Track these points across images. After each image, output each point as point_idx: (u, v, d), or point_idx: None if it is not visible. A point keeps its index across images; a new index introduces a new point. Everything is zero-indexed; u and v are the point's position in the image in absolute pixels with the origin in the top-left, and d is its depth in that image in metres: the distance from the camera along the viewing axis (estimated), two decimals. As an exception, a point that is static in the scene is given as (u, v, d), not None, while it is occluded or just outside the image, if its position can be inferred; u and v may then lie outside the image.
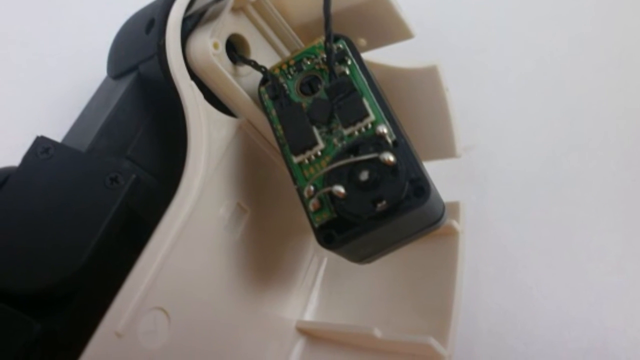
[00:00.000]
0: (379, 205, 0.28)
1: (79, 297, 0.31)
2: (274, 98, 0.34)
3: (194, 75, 0.35)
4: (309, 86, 0.34)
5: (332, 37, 0.33)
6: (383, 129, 0.30)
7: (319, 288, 0.45)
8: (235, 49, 0.37)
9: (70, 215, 0.31)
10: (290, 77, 0.35)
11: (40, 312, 0.29)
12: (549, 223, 0.47)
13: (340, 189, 0.29)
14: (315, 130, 0.32)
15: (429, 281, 0.41)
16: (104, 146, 0.35)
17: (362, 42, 0.40)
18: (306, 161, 0.32)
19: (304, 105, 0.33)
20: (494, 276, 0.46)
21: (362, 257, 0.33)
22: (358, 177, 0.29)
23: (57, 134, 0.37)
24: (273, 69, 0.35)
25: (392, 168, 0.29)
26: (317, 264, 0.46)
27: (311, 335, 0.42)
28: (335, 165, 0.30)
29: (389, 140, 0.30)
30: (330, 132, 0.32)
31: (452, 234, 0.42)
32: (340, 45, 0.34)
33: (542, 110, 0.53)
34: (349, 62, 0.33)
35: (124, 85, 0.38)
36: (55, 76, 0.55)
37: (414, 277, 0.42)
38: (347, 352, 0.40)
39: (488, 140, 0.52)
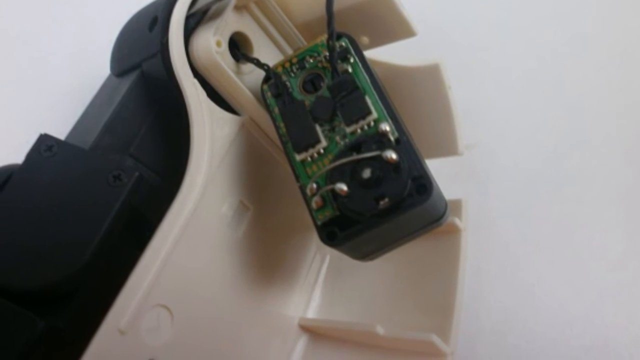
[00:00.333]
0: (382, 202, 0.29)
1: (82, 295, 0.31)
2: (276, 96, 0.34)
3: (196, 73, 0.35)
4: (311, 84, 0.34)
5: (334, 35, 0.34)
6: (385, 126, 0.30)
7: (322, 285, 0.45)
8: (238, 47, 0.37)
9: (74, 213, 0.31)
10: (292, 75, 0.35)
11: (44, 309, 0.29)
12: (550, 221, 0.47)
13: (342, 187, 0.29)
14: (318, 128, 0.32)
15: (431, 279, 0.41)
16: (107, 144, 0.36)
17: (364, 40, 0.40)
18: (309, 159, 0.32)
19: (307, 103, 0.33)
20: (496, 274, 0.46)
21: (364, 254, 0.33)
22: (360, 175, 0.29)
23: (61, 132, 0.37)
24: (276, 66, 0.35)
25: (394, 166, 0.29)
26: (320, 262, 0.46)
27: (314, 332, 0.42)
28: (337, 163, 0.30)
29: (392, 138, 0.30)
30: (332, 129, 0.32)
31: (455, 231, 0.42)
32: (343, 43, 0.34)
33: (544, 108, 0.53)
34: (352, 60, 0.33)
35: (127, 83, 0.38)
36: (59, 74, 0.56)
37: (417, 274, 0.42)
38: (349, 349, 0.40)
39: (490, 138, 0.52)
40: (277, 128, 0.34)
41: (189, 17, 0.35)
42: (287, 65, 0.35)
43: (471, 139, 0.49)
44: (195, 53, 0.35)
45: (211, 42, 0.34)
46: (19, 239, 0.30)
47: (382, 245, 0.33)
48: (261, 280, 0.39)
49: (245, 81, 0.36)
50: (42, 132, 0.33)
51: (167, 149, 0.37)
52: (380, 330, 0.37)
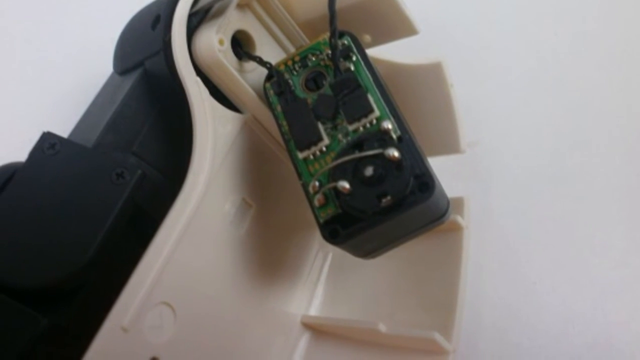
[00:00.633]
0: (384, 200, 0.29)
1: (85, 292, 0.31)
2: (279, 94, 0.34)
3: (199, 71, 0.35)
4: (314, 82, 0.34)
5: (337, 34, 0.34)
6: (388, 124, 0.30)
7: (324, 283, 0.45)
8: (241, 45, 0.37)
9: (77, 211, 0.31)
10: (295, 73, 0.35)
11: (47, 307, 0.29)
12: (552, 218, 0.47)
13: (345, 185, 0.29)
14: (320, 126, 0.32)
15: (433, 276, 0.41)
16: (110, 142, 0.36)
17: (366, 38, 0.40)
18: (311, 157, 0.32)
19: (309, 101, 0.33)
20: (498, 271, 0.46)
21: (366, 252, 0.33)
22: (363, 173, 0.29)
23: (64, 130, 0.37)
24: (278, 65, 0.36)
25: (396, 163, 0.29)
26: (322, 259, 0.46)
27: (316, 329, 0.42)
28: (340, 160, 0.30)
29: (394, 136, 0.30)
30: (335, 127, 0.32)
31: (457, 229, 0.42)
32: (345, 42, 0.34)
33: (546, 107, 0.53)
34: (354, 58, 0.33)
35: (129, 81, 0.38)
36: (61, 72, 0.56)
37: (419, 272, 0.42)
38: (351, 346, 0.40)
39: (492, 136, 0.52)
40: (279, 126, 0.34)
41: (191, 16, 0.35)
42: (290, 63, 0.35)
43: (473, 137, 0.49)
44: (198, 51, 0.35)
45: (214, 40, 0.34)
46: (22, 236, 0.30)
47: (385, 243, 0.33)
48: (264, 278, 0.39)
49: (247, 79, 0.37)
50: (45, 130, 0.33)
51: (170, 146, 0.38)
52: (382, 327, 0.37)
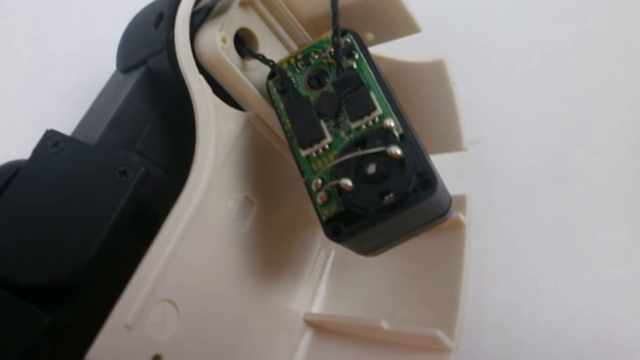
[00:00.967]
0: (386, 198, 0.29)
1: (88, 290, 0.31)
2: (282, 92, 0.35)
3: (202, 69, 0.35)
4: (316, 80, 0.34)
5: (339, 32, 0.34)
6: (390, 122, 0.30)
7: (327, 280, 0.45)
8: (244, 43, 0.37)
9: (80, 208, 0.31)
10: (298, 71, 0.35)
11: (50, 304, 0.30)
12: (554, 216, 0.47)
13: (347, 182, 0.29)
14: (323, 124, 0.32)
15: (435, 274, 0.41)
16: (113, 139, 0.36)
17: (369, 36, 0.40)
18: (314, 154, 0.32)
19: (312, 99, 0.33)
20: (500, 269, 0.46)
21: (369, 249, 0.33)
22: (365, 170, 0.29)
23: (67, 128, 0.37)
24: (281, 62, 0.36)
25: (399, 161, 0.29)
26: (325, 257, 0.46)
27: (318, 327, 0.42)
28: (342, 158, 0.30)
29: (396, 134, 0.30)
30: (337, 125, 0.32)
31: (459, 226, 0.42)
32: (348, 40, 0.34)
33: (548, 104, 0.53)
34: (357, 56, 0.34)
35: (133, 79, 0.38)
36: (65, 70, 0.56)
37: (421, 269, 0.42)
38: (354, 343, 0.40)
39: (495, 133, 0.53)
40: (282, 124, 0.34)
41: (194, 14, 0.36)
42: (292, 61, 0.35)
43: (475, 134, 0.49)
44: (201, 49, 0.35)
45: (217, 38, 0.34)
46: (26, 234, 0.30)
47: (387, 241, 0.33)
48: (266, 276, 0.39)
49: (250, 77, 0.37)
50: (49, 128, 0.33)
51: (173, 144, 0.38)
52: (384, 325, 0.37)
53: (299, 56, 0.35)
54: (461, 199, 0.43)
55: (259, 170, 0.38)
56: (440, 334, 0.36)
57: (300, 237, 0.44)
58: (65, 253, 0.30)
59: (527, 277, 0.45)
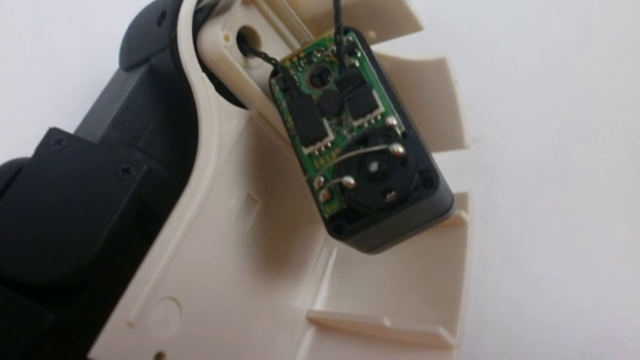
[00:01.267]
0: (389, 196, 0.29)
1: (91, 287, 0.31)
2: (284, 90, 0.35)
3: (205, 67, 0.35)
4: (319, 78, 0.34)
5: (342, 30, 0.34)
6: (392, 120, 0.30)
7: (329, 278, 0.45)
8: (246, 42, 0.37)
9: (83, 206, 0.31)
10: (300, 69, 0.35)
11: (53, 302, 0.30)
12: (556, 214, 0.47)
13: (350, 180, 0.29)
14: (325, 122, 0.33)
15: (438, 271, 0.41)
16: (115, 138, 0.36)
17: (371, 34, 0.40)
18: (316, 152, 0.32)
19: (314, 97, 0.33)
20: (502, 266, 0.46)
21: (371, 247, 0.33)
22: (367, 168, 0.29)
23: (70, 126, 0.38)
24: (283, 61, 0.36)
25: (401, 159, 0.29)
26: (327, 254, 0.46)
27: (321, 324, 0.42)
28: (345, 156, 0.30)
29: (399, 132, 0.30)
30: (340, 123, 0.32)
31: (461, 224, 0.42)
32: (350, 38, 0.34)
33: (550, 102, 0.53)
34: (359, 55, 0.34)
35: (135, 77, 0.38)
36: (68, 68, 0.56)
37: (423, 267, 0.42)
38: (356, 341, 0.40)
39: (496, 131, 0.53)
40: (284, 122, 0.34)
41: (197, 12, 0.36)
42: (295, 59, 0.35)
43: (477, 132, 0.49)
44: (204, 47, 0.35)
45: (219, 36, 0.34)
46: (29, 232, 0.30)
47: (389, 238, 0.33)
48: (269, 273, 0.39)
49: (253, 75, 0.37)
50: (52, 126, 0.33)
51: (176, 142, 0.38)
52: (387, 322, 0.37)
53: (302, 54, 0.35)
54: (463, 197, 0.43)
55: (261, 168, 0.38)
56: (442, 331, 0.36)
57: (303, 235, 0.44)
58: (68, 251, 0.30)
59: (529, 274, 0.45)
